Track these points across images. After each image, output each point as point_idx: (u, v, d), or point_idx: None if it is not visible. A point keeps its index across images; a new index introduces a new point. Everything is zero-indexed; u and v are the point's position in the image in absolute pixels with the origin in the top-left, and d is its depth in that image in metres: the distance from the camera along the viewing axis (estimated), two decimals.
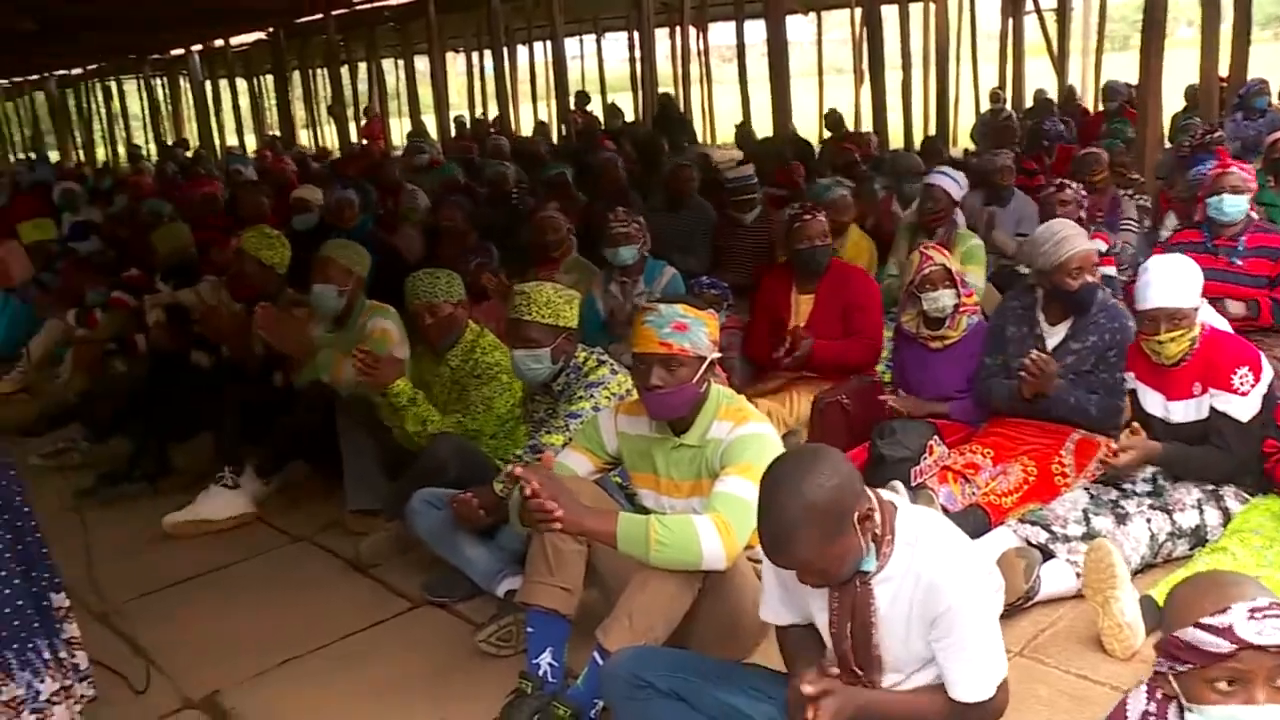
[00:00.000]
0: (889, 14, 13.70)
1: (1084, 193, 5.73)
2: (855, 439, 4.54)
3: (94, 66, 23.62)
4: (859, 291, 5.05)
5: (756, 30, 11.42)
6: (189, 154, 17.13)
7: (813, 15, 16.94)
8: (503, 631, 3.55)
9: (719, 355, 3.12)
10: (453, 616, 3.89)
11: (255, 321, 5.06)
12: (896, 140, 13.31)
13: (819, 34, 16.71)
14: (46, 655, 2.91)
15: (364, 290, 5.05)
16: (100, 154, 25.36)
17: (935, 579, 2.36)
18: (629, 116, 15.42)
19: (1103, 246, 5.53)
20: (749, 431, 3.06)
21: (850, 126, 13.60)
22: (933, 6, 14.25)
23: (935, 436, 4.32)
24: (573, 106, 14.67)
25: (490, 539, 3.85)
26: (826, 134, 12.33)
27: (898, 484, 3.96)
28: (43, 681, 2.89)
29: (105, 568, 4.43)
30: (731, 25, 14.57)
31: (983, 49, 15.63)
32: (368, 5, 15.08)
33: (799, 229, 5.06)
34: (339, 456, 4.62)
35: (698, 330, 3.05)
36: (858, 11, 15.28)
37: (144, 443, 5.39)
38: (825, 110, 12.55)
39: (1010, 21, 14.77)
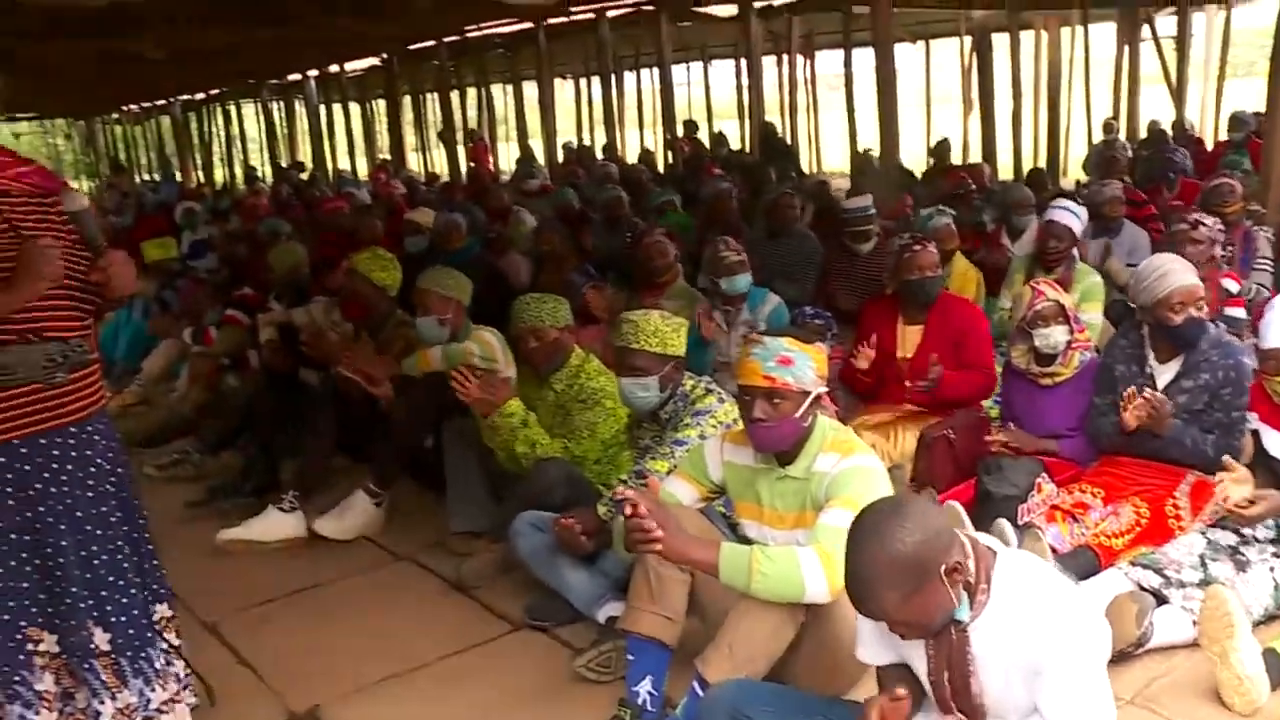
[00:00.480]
0: (999, 42, 13.51)
1: (1220, 228, 5.44)
2: (961, 474, 4.47)
3: (216, 91, 24.39)
4: (969, 324, 4.97)
5: (864, 58, 11.33)
6: (303, 176, 17.56)
7: (921, 44, 16.77)
8: (602, 657, 3.54)
9: (824, 390, 3.09)
10: (552, 640, 3.90)
11: (343, 366, 5.17)
12: (1006, 171, 13.10)
13: (927, 62, 16.52)
14: (158, 664, 2.99)
15: (467, 314, 5.11)
16: (219, 175, 26.17)
17: (1034, 628, 2.32)
18: (735, 145, 15.46)
19: (1233, 287, 5.37)
20: (855, 464, 3.03)
21: (958, 157, 13.44)
22: (1045, 34, 14.04)
23: (1044, 474, 4.22)
24: (680, 134, 14.73)
25: (592, 564, 3.86)
26: (930, 162, 12.18)
27: (1004, 523, 3.88)
28: (154, 690, 2.97)
29: (211, 579, 4.52)
30: (839, 53, 14.49)
31: (1097, 77, 15.29)
32: (479, 33, 15.33)
33: (909, 259, 5.00)
34: (444, 477, 4.69)
35: (803, 364, 3.03)
36: (967, 40, 15.10)
37: (254, 457, 5.51)
38: (934, 140, 12.38)
39: (1126, 49, 14.44)
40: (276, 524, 4.86)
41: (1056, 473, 4.27)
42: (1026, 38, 14.47)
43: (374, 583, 4.52)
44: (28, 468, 2.76)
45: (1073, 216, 5.80)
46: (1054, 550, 3.83)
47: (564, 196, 9.88)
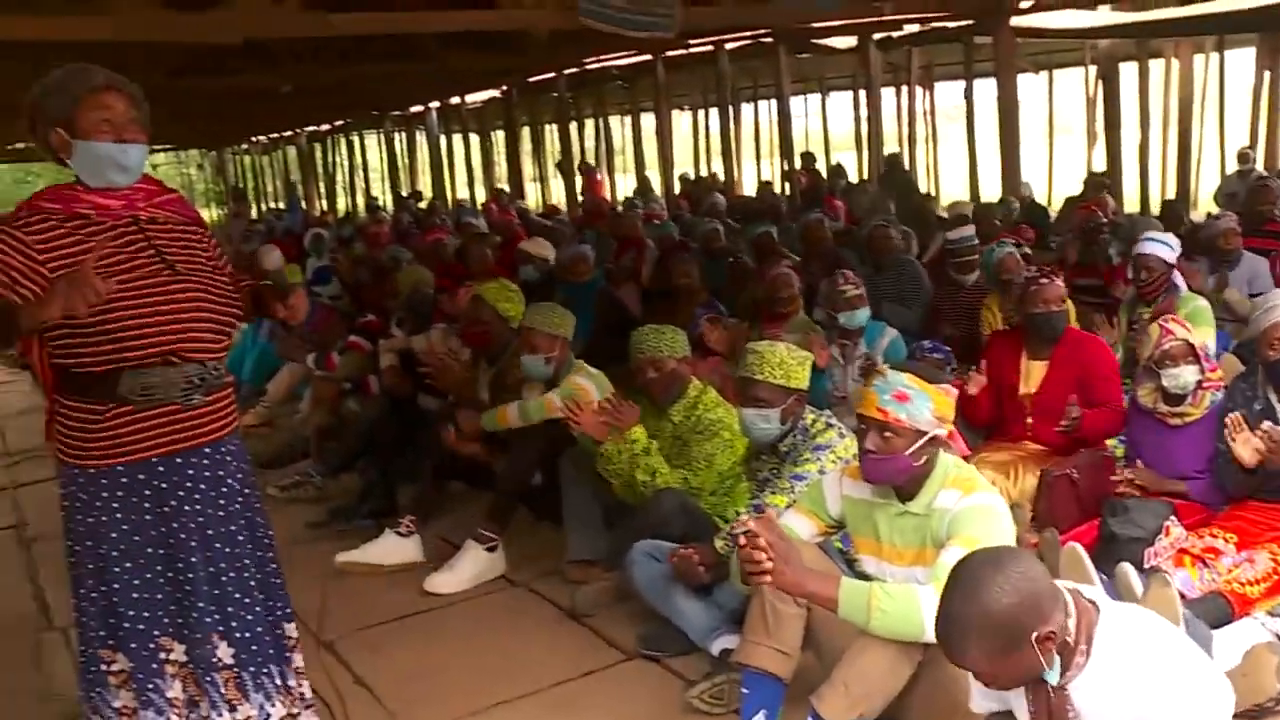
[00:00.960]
0: (1126, 70, 13.17)
1: None
2: (1084, 515, 4.35)
3: (340, 122, 25.09)
4: (1098, 361, 4.84)
5: (985, 89, 11.19)
6: (422, 205, 17.91)
7: (1044, 73, 16.46)
8: (715, 689, 3.52)
9: (943, 431, 3.05)
10: (665, 671, 3.88)
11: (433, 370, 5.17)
12: (1132, 205, 12.76)
13: (1050, 92, 16.20)
14: (278, 681, 3.04)
15: (571, 348, 5.13)
16: (341, 204, 26.86)
17: (1141, 689, 2.24)
18: (853, 176, 15.36)
19: None
20: (977, 502, 2.99)
21: (1077, 189, 13.15)
22: (1175, 62, 13.65)
23: (1172, 517, 4.07)
24: (798, 165, 14.69)
25: (708, 595, 3.85)
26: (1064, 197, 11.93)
27: (1127, 568, 3.76)
28: (273, 706, 3.02)
29: (329, 599, 4.58)
30: (959, 84, 14.31)
31: (1232, 104, 14.74)
32: (597, 65, 15.52)
33: (1035, 292, 4.90)
34: (557, 507, 4.73)
35: (919, 403, 3.00)
36: (1092, 69, 14.78)
37: (373, 481, 5.61)
38: (1090, 171, 12.05)
39: (1266, 75, 13.90)
40: (394, 548, 4.93)
41: (1185, 516, 4.12)
42: (1155, 65, 14.10)
43: (489, 608, 4.55)
44: (164, 485, 2.84)
45: (1162, 246, 5.69)
46: (1182, 596, 3.70)
47: (666, 229, 9.90)
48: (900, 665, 2.91)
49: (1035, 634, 2.19)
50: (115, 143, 2.76)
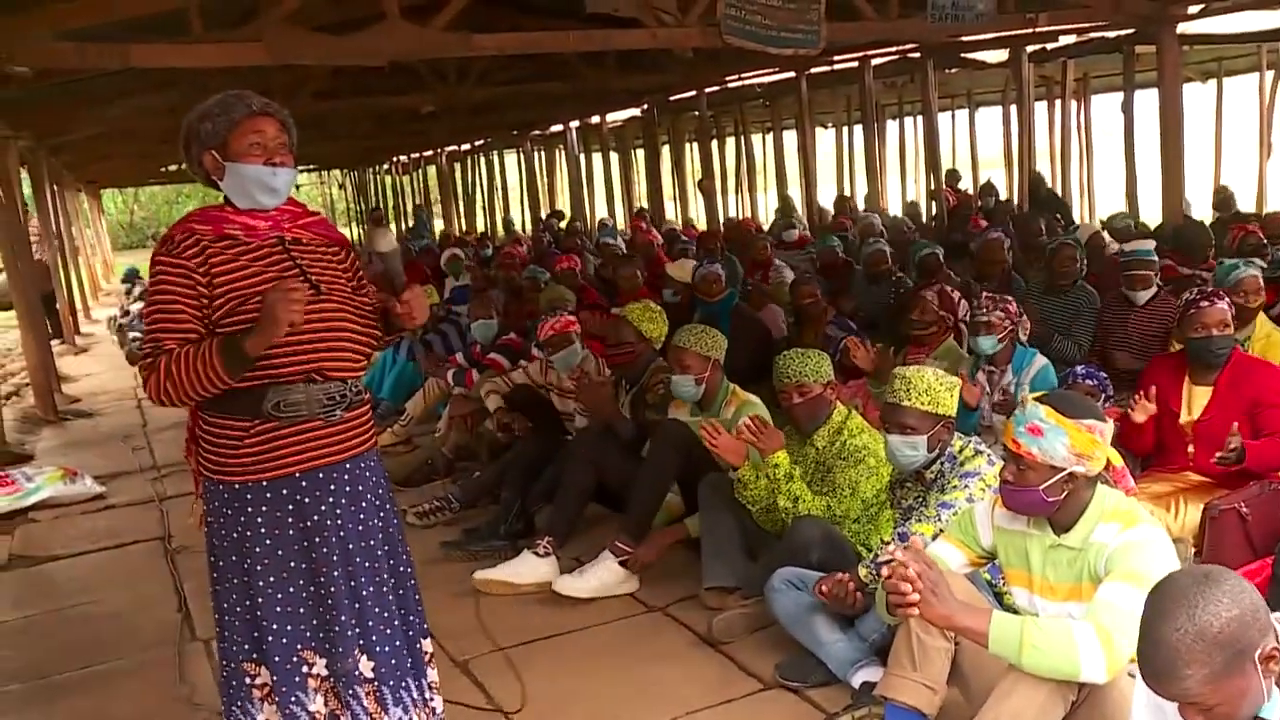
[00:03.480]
0: None
1: None
2: (1255, 553, 4.09)
3: (480, 142, 25.58)
4: (1268, 387, 4.54)
5: (1146, 100, 10.77)
6: (563, 225, 18.11)
7: (1212, 82, 15.73)
8: None
9: (1081, 469, 2.88)
10: (804, 702, 3.77)
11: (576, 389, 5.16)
12: None
13: (1218, 103, 15.47)
14: (416, 695, 3.06)
15: (723, 372, 5.09)
16: (480, 224, 27.36)
17: None
18: (1003, 194, 14.97)
19: None
20: (1139, 537, 2.83)
21: (1254, 204, 12.55)
22: None
23: None
24: (945, 184, 14.37)
25: (850, 626, 3.75)
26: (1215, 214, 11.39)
27: None
28: (410, 719, 3.04)
29: (464, 618, 4.62)
30: (1116, 96, 13.80)
31: None
32: (739, 82, 15.48)
33: (1194, 315, 4.65)
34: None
35: (1054, 438, 2.86)
36: (1268, 75, 14.08)
37: (510, 502, 5.58)
38: (1215, 189, 11.53)
39: None
40: (531, 568, 4.92)
41: None
42: None
43: (624, 633, 4.50)
44: (306, 500, 2.89)
45: None
46: None
47: (827, 243, 9.73)
48: (1052, 705, 2.78)
49: (1259, 651, 2.03)
50: (265, 165, 2.85)
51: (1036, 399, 2.97)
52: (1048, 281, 6.96)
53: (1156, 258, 6.56)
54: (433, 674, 3.17)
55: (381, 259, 3.07)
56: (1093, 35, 11.36)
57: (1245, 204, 12.27)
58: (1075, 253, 7.00)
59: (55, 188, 17.89)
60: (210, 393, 2.76)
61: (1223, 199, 11.18)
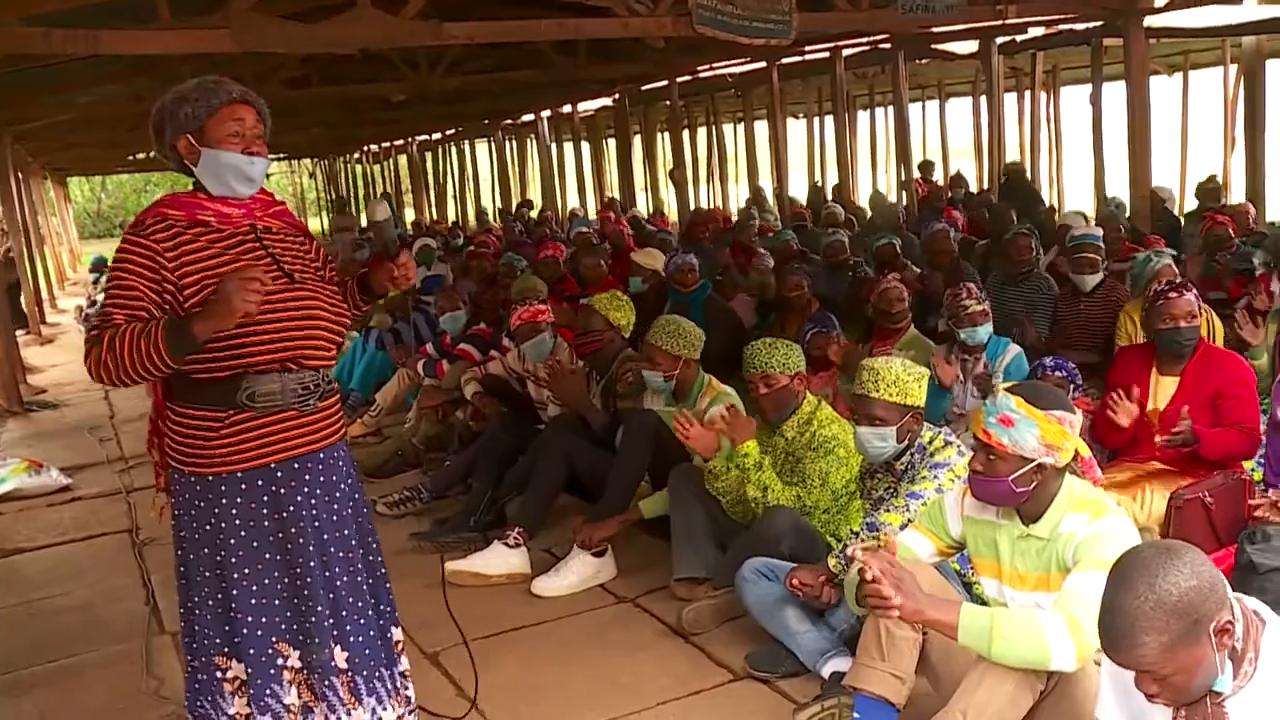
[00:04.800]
0: (1272, 68, 12.53)
1: None
2: (1218, 542, 4.14)
3: (451, 131, 25.49)
4: (1231, 379, 4.59)
5: (1114, 93, 10.83)
6: (534, 214, 18.04)
7: (1178, 75, 15.85)
8: (825, 713, 3.41)
9: (1050, 460, 2.91)
10: (774, 693, 3.79)
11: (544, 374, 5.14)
12: (1275, 212, 12.22)
13: (1184, 95, 15.60)
14: (389, 685, 3.06)
15: (700, 366, 5.10)
16: (450, 212, 27.25)
17: None
18: (973, 186, 15.02)
19: None
20: (1107, 527, 2.86)
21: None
22: None
23: None
24: (916, 175, 14.42)
25: (820, 617, 3.76)
26: (1193, 205, 11.47)
27: None
28: (385, 709, 3.03)
29: (434, 610, 4.58)
30: (1084, 88, 13.87)
31: None
32: (711, 72, 15.48)
33: (1162, 306, 4.69)
34: (667, 521, 4.66)
35: (1024, 429, 2.88)
36: (1232, 69, 14.18)
37: (481, 493, 5.56)
38: (1204, 179, 11.61)
39: None
40: (501, 559, 4.92)
41: None
42: None
43: (594, 624, 4.50)
44: (282, 491, 2.87)
45: None
46: None
47: (783, 237, 9.77)
48: (1021, 695, 2.80)
49: (1214, 623, 2.08)
50: (243, 154, 2.83)
51: (1007, 389, 2.99)
52: (1005, 271, 7.03)
53: (1103, 244, 6.68)
54: (404, 663, 3.17)
55: (376, 226, 3.08)
56: (1062, 28, 11.43)
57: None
58: (1031, 242, 7.10)
59: (20, 175, 17.68)
60: (149, 374, 2.69)
61: (1209, 190, 11.20)
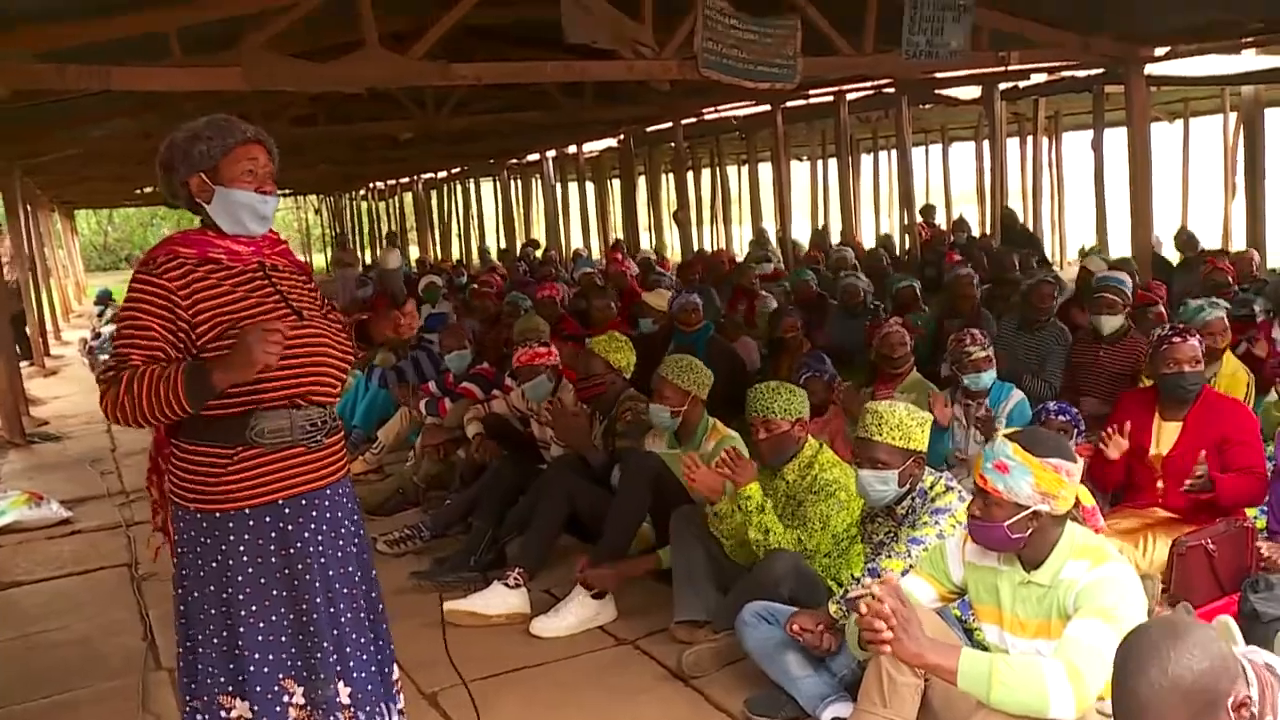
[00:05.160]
0: (1271, 116, 12.62)
1: None
2: (1222, 590, 4.14)
3: (457, 170, 25.63)
4: (1236, 425, 4.59)
5: (1116, 139, 10.89)
6: (538, 254, 18.10)
7: (1179, 122, 15.96)
8: None
9: (1045, 508, 2.90)
10: None
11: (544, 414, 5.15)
12: (1276, 259, 12.25)
13: (1185, 142, 15.69)
14: None
15: (705, 407, 5.11)
16: (455, 251, 27.32)
17: None
18: (975, 229, 15.07)
19: None
20: (1108, 574, 2.86)
21: (1219, 242, 12.72)
22: None
23: None
24: (919, 219, 14.48)
25: (820, 661, 3.74)
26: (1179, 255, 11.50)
27: None
28: None
29: (433, 650, 4.57)
30: (1086, 134, 13.95)
31: None
32: (716, 115, 15.59)
33: (1167, 351, 4.70)
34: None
35: (1019, 476, 2.89)
36: (1232, 116, 14.27)
37: (482, 532, 5.53)
38: (1176, 231, 11.69)
39: None
40: (501, 599, 4.89)
41: None
42: None
43: (594, 666, 4.47)
44: (289, 527, 2.87)
45: None
46: None
47: (802, 276, 9.78)
48: None
49: (1231, 699, 2.04)
50: (256, 192, 2.85)
51: (1006, 435, 2.99)
52: (1022, 318, 7.00)
53: (1129, 289, 6.57)
54: (401, 700, 3.16)
55: (386, 274, 3.11)
56: (1064, 74, 11.52)
57: (1211, 242, 12.42)
58: (1053, 290, 7.07)
59: (29, 208, 17.77)
60: (166, 419, 2.70)
61: (1185, 240, 11.30)
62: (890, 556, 3.70)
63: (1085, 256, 9.85)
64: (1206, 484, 4.37)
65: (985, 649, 3.14)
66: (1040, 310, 6.90)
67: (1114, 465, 4.69)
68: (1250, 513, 4.53)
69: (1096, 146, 11.73)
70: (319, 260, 31.43)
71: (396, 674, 3.15)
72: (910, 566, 3.48)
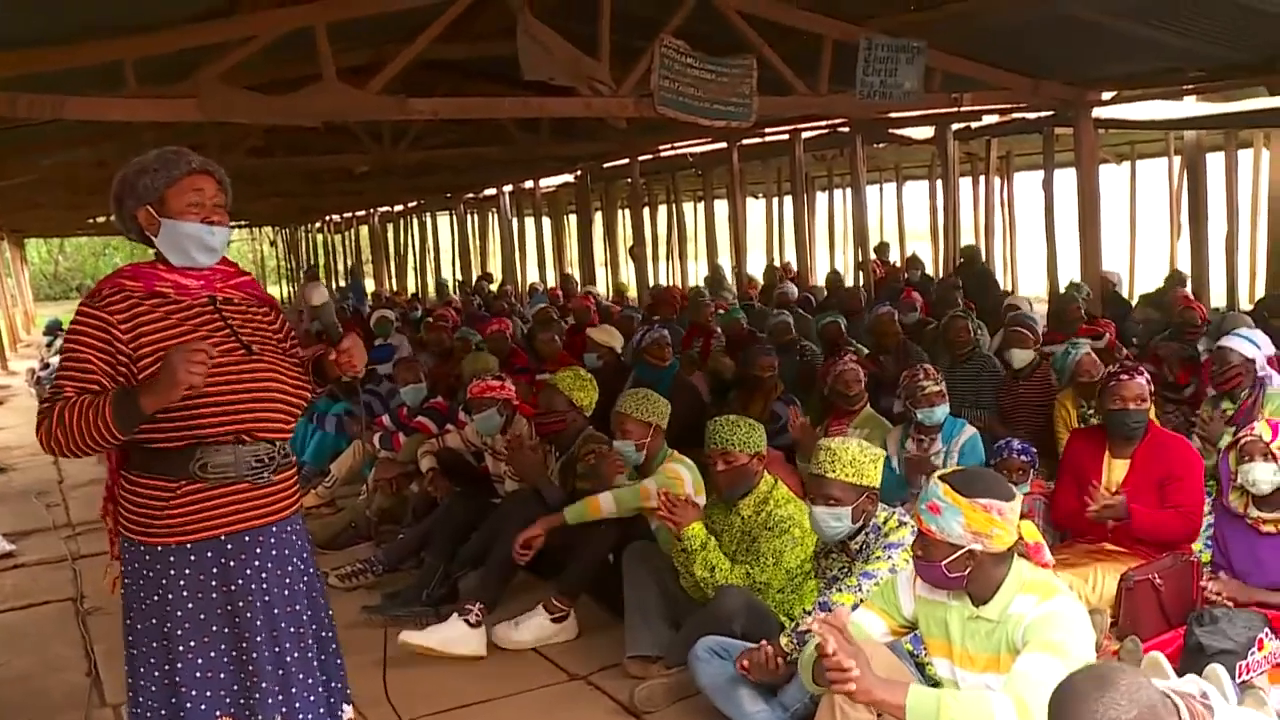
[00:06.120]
0: (1213, 161, 12.91)
1: None
2: (1167, 623, 4.19)
3: (413, 204, 25.59)
4: (1178, 461, 4.67)
5: (1065, 179, 11.09)
6: (492, 287, 18.07)
7: (1125, 164, 16.26)
8: None
9: (978, 547, 2.93)
10: None
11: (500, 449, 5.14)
12: (1219, 299, 12.46)
13: (1132, 184, 15.99)
14: None
15: (664, 436, 5.11)
16: (411, 284, 27.24)
17: None
18: (929, 267, 15.22)
19: None
20: (1055, 609, 2.89)
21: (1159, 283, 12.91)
22: (1266, 153, 13.34)
23: (1266, 629, 3.88)
24: (874, 256, 14.59)
25: (773, 696, 3.75)
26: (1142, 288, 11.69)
27: (1219, 670, 3.59)
28: None
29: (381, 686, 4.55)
30: (1037, 174, 14.18)
31: None
32: (673, 152, 15.67)
33: (1114, 387, 4.78)
34: (621, 597, 4.65)
35: (950, 517, 2.93)
36: (1176, 159, 14.56)
37: (434, 567, 5.50)
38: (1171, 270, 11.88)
39: None
40: (459, 636, 4.83)
41: None
42: (1244, 156, 13.79)
43: (547, 701, 4.45)
44: (231, 563, 2.85)
45: (1244, 341, 5.60)
46: None
47: (734, 315, 9.84)
48: None
49: None
50: (202, 224, 2.84)
51: (939, 476, 3.02)
52: (950, 354, 7.16)
53: (1036, 323, 6.87)
54: None
55: (315, 311, 3.08)
56: (1015, 116, 11.69)
57: (1157, 280, 12.61)
58: (967, 324, 7.23)
59: None
60: (100, 446, 2.68)
61: (1173, 280, 11.45)
62: (842, 591, 3.72)
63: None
64: (1119, 512, 4.47)
65: (937, 683, 3.16)
66: (958, 343, 7.09)
67: (1074, 508, 4.74)
68: (1196, 547, 4.60)
69: (1047, 186, 11.90)
70: (274, 291, 31.19)
71: (350, 714, 3.11)
72: (861, 601, 3.49)
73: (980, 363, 7.04)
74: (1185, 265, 12.61)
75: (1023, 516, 4.82)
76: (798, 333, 8.77)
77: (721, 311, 10.31)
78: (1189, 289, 10.78)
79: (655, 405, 5.07)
